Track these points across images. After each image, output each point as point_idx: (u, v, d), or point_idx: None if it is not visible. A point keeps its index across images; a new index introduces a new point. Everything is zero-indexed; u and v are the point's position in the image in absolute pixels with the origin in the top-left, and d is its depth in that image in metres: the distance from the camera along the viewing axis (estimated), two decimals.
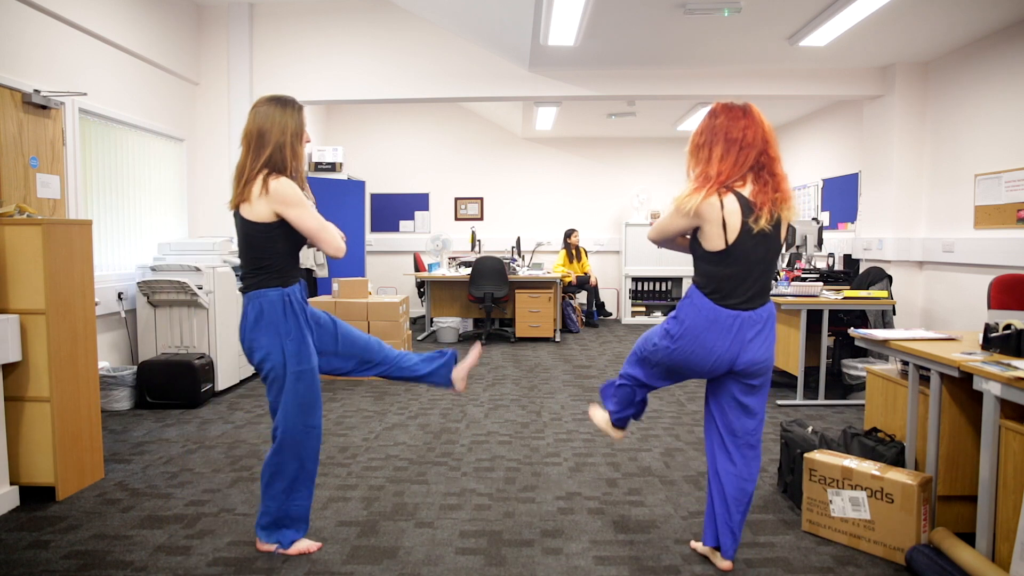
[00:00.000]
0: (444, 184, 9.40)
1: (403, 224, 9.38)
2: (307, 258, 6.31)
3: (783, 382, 5.12)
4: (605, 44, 5.15)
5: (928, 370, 2.51)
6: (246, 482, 3.21)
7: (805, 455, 2.72)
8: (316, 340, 2.45)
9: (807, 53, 5.34)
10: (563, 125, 8.49)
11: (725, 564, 2.37)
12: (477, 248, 8.55)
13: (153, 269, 4.74)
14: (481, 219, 9.54)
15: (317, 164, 7.95)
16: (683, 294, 9.13)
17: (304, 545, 2.50)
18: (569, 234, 8.62)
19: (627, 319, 9.04)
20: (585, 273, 8.62)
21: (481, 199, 9.57)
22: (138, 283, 4.69)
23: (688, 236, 2.34)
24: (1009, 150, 4.79)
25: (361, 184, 7.74)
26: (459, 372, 2.64)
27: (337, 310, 5.45)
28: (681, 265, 8.86)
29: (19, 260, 2.92)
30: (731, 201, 2.18)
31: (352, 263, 7.32)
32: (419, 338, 7.53)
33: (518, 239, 8.39)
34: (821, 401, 4.68)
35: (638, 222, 8.94)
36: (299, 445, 2.41)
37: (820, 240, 5.84)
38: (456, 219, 9.51)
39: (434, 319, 7.73)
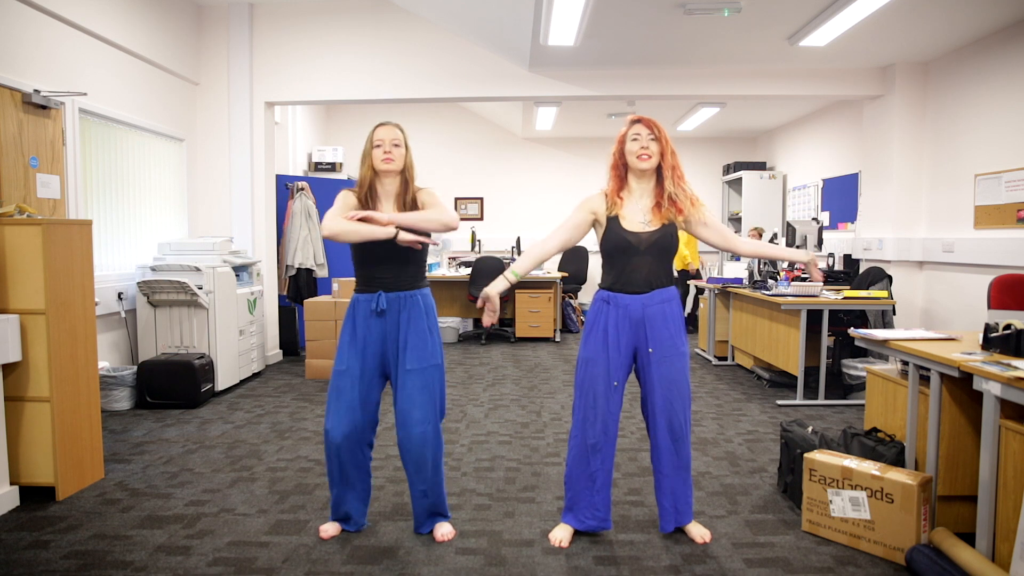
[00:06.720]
0: (444, 184, 9.40)
1: None
2: (307, 257, 6.31)
3: (783, 382, 5.12)
4: (605, 44, 5.15)
5: (928, 370, 2.51)
6: (246, 482, 3.21)
7: (805, 455, 2.72)
8: (386, 360, 2.62)
9: (807, 53, 5.34)
10: (563, 125, 8.49)
11: None
12: (477, 248, 8.54)
13: (153, 269, 4.74)
14: (481, 219, 9.53)
15: (317, 164, 7.96)
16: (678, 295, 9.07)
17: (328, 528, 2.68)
18: None
19: None
20: None
21: (481, 199, 9.57)
22: (138, 283, 4.69)
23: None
24: (1009, 150, 4.79)
25: None
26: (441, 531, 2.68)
27: (337, 309, 5.45)
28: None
29: (19, 260, 2.92)
30: None
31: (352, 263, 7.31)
32: None
33: (518, 239, 8.39)
34: (821, 401, 4.68)
35: None
36: None
37: (820, 240, 5.85)
38: None
39: None
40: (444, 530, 2.65)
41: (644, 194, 2.54)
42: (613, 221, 2.50)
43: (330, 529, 2.66)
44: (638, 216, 2.51)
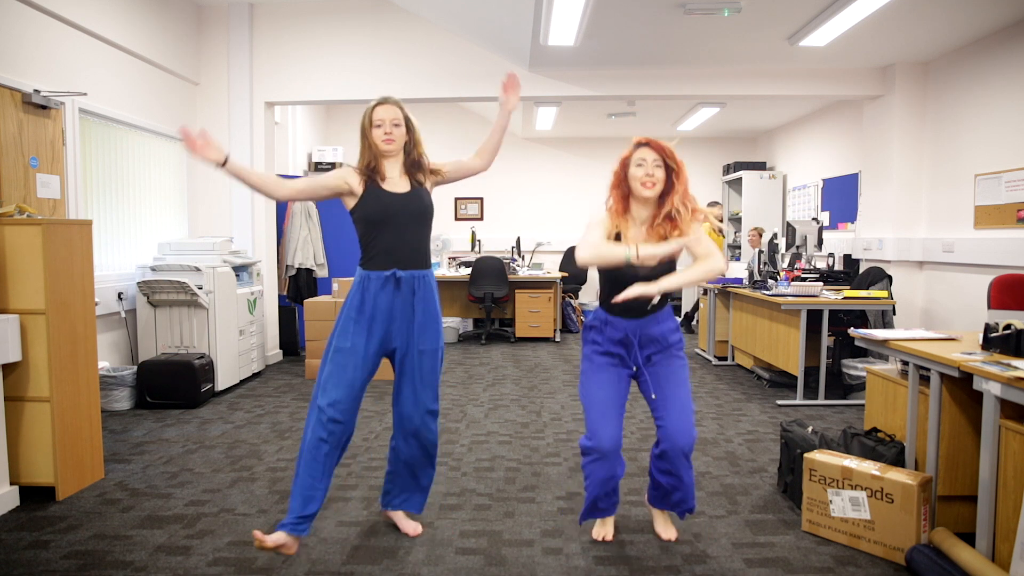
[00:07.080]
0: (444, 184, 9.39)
1: None
2: (307, 257, 6.31)
3: (783, 382, 5.12)
4: (605, 44, 5.15)
5: (928, 370, 2.51)
6: (246, 482, 3.21)
7: (805, 455, 2.72)
8: (389, 334, 2.49)
9: (807, 53, 5.34)
10: (563, 125, 8.49)
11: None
12: (477, 248, 8.54)
13: (153, 269, 4.74)
14: (481, 219, 9.53)
15: (317, 164, 7.95)
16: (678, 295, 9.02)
17: (276, 539, 2.31)
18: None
19: None
20: None
21: (481, 199, 9.57)
22: (138, 283, 4.69)
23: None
24: (1009, 150, 4.79)
25: None
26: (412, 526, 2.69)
27: (337, 310, 5.44)
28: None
29: (19, 260, 2.92)
30: None
31: (352, 263, 7.31)
32: None
33: (518, 239, 8.39)
34: (821, 401, 4.68)
35: None
36: (308, 418, 2.46)
37: (820, 240, 5.84)
38: (456, 219, 9.51)
39: None
40: (415, 524, 2.69)
41: (644, 220, 2.42)
42: None
43: (280, 539, 2.30)
44: (639, 241, 2.39)
